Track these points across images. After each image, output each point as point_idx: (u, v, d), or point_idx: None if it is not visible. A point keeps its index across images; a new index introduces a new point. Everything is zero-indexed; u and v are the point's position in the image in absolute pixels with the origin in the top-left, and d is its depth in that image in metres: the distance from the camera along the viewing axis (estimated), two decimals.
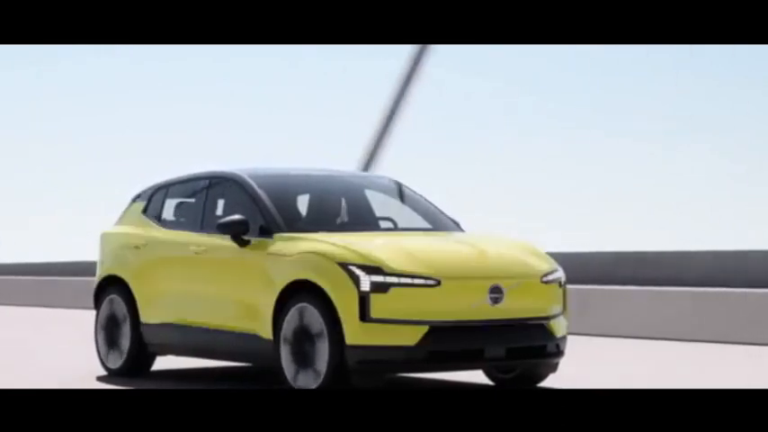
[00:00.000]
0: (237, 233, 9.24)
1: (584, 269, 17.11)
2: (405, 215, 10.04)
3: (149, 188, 10.82)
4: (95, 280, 10.85)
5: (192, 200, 10.16)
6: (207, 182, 10.06)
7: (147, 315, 10.15)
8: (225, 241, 9.39)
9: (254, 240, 9.19)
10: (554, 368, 9.03)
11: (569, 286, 15.59)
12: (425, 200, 10.25)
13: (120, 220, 10.95)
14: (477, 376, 9.83)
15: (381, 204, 10.10)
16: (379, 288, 8.33)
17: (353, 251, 8.51)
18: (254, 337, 9.03)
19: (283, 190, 9.63)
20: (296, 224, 9.29)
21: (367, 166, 12.21)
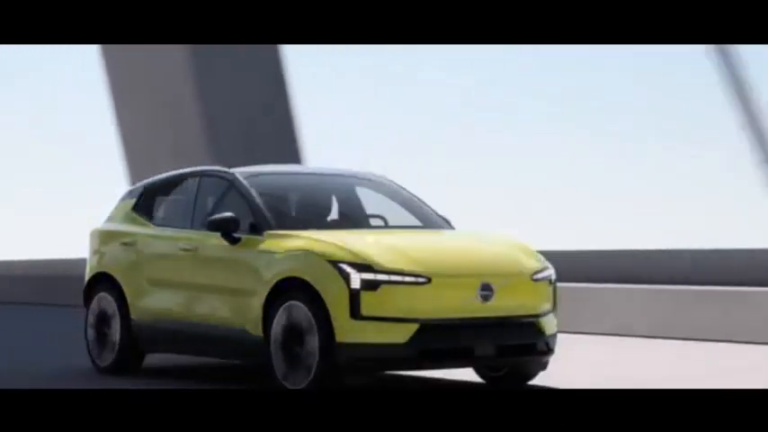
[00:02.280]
0: (228, 230, 9.23)
1: (577, 267, 17.11)
2: (395, 213, 10.04)
3: (139, 185, 10.81)
4: (85, 277, 10.83)
5: (182, 197, 10.15)
6: (197, 179, 10.06)
7: (137, 312, 10.14)
8: (215, 238, 9.39)
9: (244, 237, 9.19)
10: (544, 366, 9.03)
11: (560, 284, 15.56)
12: (416, 197, 10.25)
13: (110, 218, 10.93)
14: (467, 374, 9.83)
15: (372, 202, 10.10)
16: (369, 285, 8.33)
17: (344, 249, 8.51)
18: (244, 335, 9.02)
19: (274, 187, 9.63)
20: (286, 221, 9.29)
21: None
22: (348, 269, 8.37)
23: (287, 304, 8.65)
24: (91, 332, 10.61)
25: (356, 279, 8.33)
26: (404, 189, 10.33)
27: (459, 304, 8.47)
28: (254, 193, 9.42)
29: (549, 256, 9.52)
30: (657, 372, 10.43)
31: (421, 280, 8.40)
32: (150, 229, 10.30)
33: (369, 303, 8.31)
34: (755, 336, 13.20)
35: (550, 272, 9.06)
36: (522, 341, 8.69)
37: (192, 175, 10.15)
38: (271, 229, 9.10)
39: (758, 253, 15.18)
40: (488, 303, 8.54)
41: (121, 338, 10.26)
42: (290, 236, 8.91)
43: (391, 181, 10.41)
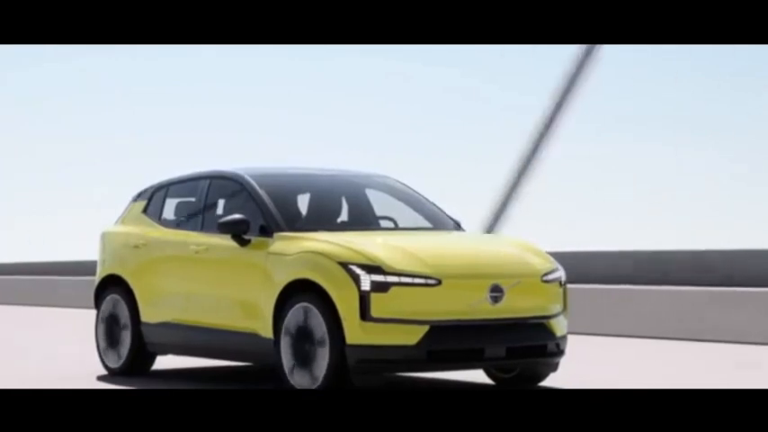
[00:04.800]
0: (238, 232, 9.24)
1: (585, 268, 17.11)
2: (405, 214, 10.04)
3: (150, 187, 10.82)
4: (96, 279, 10.85)
5: (193, 199, 10.16)
6: (207, 181, 10.06)
7: (148, 314, 10.15)
8: (225, 240, 9.39)
9: (254, 240, 9.19)
10: (554, 367, 9.02)
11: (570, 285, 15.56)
12: (426, 199, 10.25)
13: (121, 220, 10.95)
14: (478, 375, 9.82)
15: (382, 203, 10.10)
16: (379, 287, 8.33)
17: (354, 250, 8.51)
18: (255, 337, 9.03)
19: (284, 189, 9.63)
20: (296, 223, 9.29)
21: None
22: (358, 271, 8.37)
23: (297, 306, 8.65)
24: (101, 334, 10.62)
25: (366, 281, 8.33)
26: (413, 190, 10.33)
27: (470, 306, 8.47)
28: (264, 194, 9.42)
29: (559, 257, 9.52)
30: (669, 372, 10.43)
31: (431, 282, 8.40)
32: (160, 232, 10.31)
33: (379, 305, 8.31)
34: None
35: (560, 273, 9.05)
36: (533, 342, 8.69)
37: (203, 177, 10.16)
38: (281, 231, 9.11)
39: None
40: (498, 305, 8.54)
41: (132, 340, 10.27)
42: (300, 238, 8.91)
43: (401, 182, 10.41)
